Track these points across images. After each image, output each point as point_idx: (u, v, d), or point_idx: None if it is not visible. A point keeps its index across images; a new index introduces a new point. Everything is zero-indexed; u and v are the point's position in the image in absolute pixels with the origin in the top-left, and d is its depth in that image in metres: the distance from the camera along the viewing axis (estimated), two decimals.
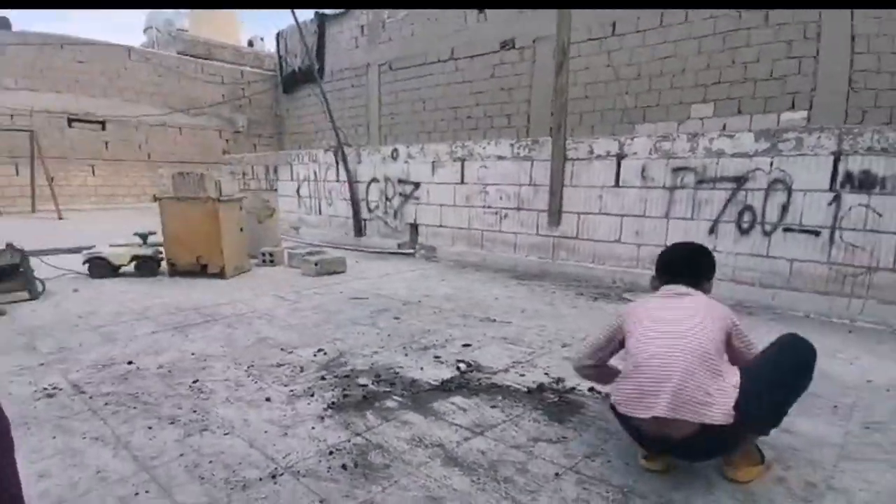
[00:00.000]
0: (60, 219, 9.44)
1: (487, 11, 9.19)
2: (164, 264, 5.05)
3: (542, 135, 7.23)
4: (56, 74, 11.55)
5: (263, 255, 5.68)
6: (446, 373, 2.64)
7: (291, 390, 2.38)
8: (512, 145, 5.65)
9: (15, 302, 3.89)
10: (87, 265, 4.88)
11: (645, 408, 1.60)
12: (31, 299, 3.98)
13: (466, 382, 2.51)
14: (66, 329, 3.30)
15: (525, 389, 2.45)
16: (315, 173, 7.98)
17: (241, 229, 5.19)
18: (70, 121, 11.84)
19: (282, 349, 2.95)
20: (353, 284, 4.76)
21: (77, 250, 5.41)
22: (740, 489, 1.64)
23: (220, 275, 4.85)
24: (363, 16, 11.32)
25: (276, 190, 7.96)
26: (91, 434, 1.95)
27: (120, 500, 1.56)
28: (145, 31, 16.52)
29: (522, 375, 2.62)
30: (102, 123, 12.27)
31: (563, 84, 5.25)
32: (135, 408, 2.19)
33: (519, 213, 5.64)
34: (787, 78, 6.44)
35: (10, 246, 4.12)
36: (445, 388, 2.44)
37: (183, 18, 16.03)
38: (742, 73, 6.76)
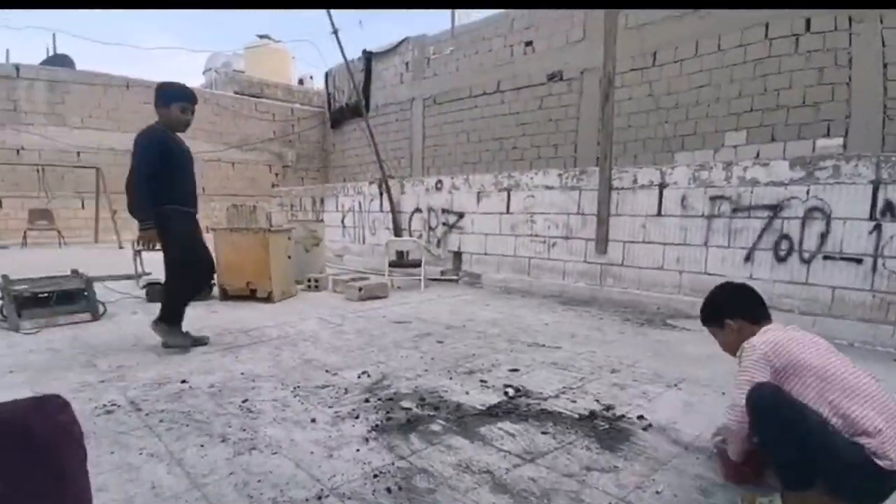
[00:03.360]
0: (121, 248, 9.94)
1: (536, 46, 9.31)
2: (216, 290, 5.21)
3: (588, 164, 7.24)
4: (121, 114, 12.27)
5: (309, 280, 5.80)
6: (493, 398, 2.58)
7: (336, 412, 2.38)
8: (560, 175, 5.68)
9: (79, 323, 4.09)
10: (145, 290, 5.09)
11: None
12: (93, 320, 4.17)
13: (515, 408, 2.44)
14: (125, 349, 3.43)
15: (576, 416, 2.36)
16: (360, 204, 8.19)
17: (289, 257, 5.35)
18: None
19: (326, 371, 2.97)
20: (396, 309, 4.78)
21: (136, 276, 5.65)
22: None
23: (268, 299, 4.98)
24: (409, 52, 11.71)
25: (321, 220, 8.18)
26: (147, 450, 1.99)
27: None
28: (204, 72, 17.60)
29: (573, 402, 2.54)
30: None
31: (609, 114, 5.26)
32: (187, 425, 2.23)
33: (567, 242, 5.62)
34: (821, 105, 6.26)
35: (75, 272, 4.37)
36: (492, 413, 2.38)
37: (240, 60, 16.98)
38: (775, 100, 6.62)
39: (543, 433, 2.18)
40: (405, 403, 2.48)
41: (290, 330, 3.96)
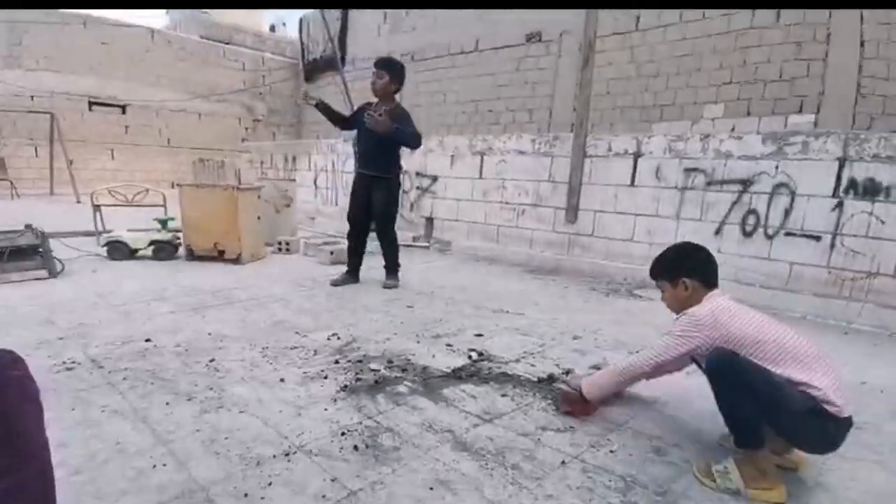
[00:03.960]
0: (78, 202, 9.60)
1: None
2: (181, 249, 5.13)
3: (562, 131, 7.23)
4: (78, 55, 11.63)
5: (279, 243, 5.74)
6: (458, 361, 2.67)
7: (305, 372, 2.43)
8: (533, 140, 5.66)
9: (35, 280, 3.98)
10: (105, 248, 4.98)
11: (844, 401, 1.56)
12: (49, 278, 4.07)
13: (477, 371, 2.54)
14: (85, 307, 3.37)
15: (535, 379, 2.48)
16: (333, 163, 8.02)
17: (259, 217, 5.26)
18: (91, 104, 11.98)
19: (296, 332, 3.00)
20: (367, 274, 4.78)
21: (96, 233, 5.51)
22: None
23: (237, 261, 4.92)
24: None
25: (293, 179, 8.02)
26: (110, 407, 2.01)
27: (138, 471, 1.61)
28: (167, 11, 16.63)
29: (533, 366, 2.65)
30: (123, 107, 12.41)
31: (588, 79, 5.24)
32: (152, 383, 2.24)
33: (536, 210, 5.65)
34: (796, 80, 6.40)
35: (29, 227, 4.23)
36: (456, 376, 2.47)
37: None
38: (752, 73, 6.72)
39: (503, 395, 2.28)
40: (373, 365, 2.54)
41: (260, 292, 3.95)
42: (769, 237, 4.19)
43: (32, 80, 11.09)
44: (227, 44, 14.26)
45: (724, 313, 1.74)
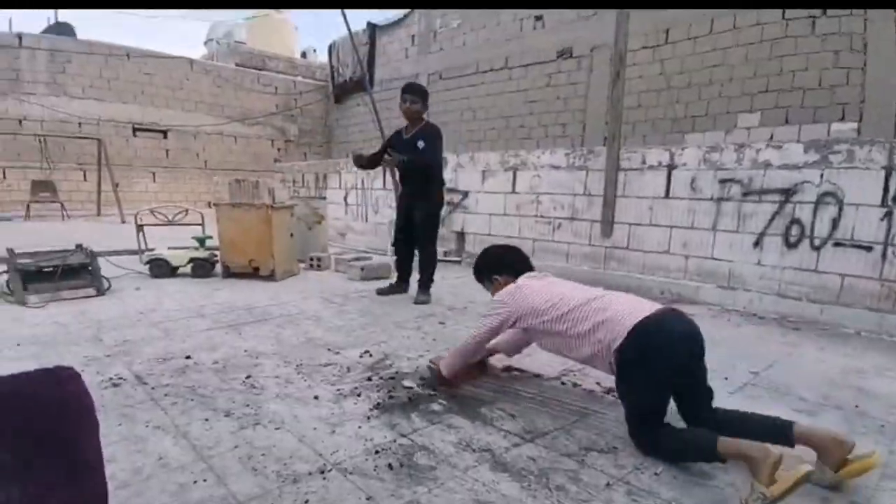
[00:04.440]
0: (123, 222, 10.01)
1: (546, 20, 9.17)
2: (218, 266, 5.27)
3: (596, 144, 7.21)
4: (122, 85, 12.28)
5: (311, 259, 5.84)
6: (493, 379, 2.63)
7: (338, 389, 2.43)
8: (567, 154, 5.65)
9: (84, 297, 4.15)
10: (148, 266, 5.15)
11: (645, 310, 1.95)
12: (98, 295, 4.23)
13: (515, 389, 2.50)
14: (129, 324, 3.49)
15: (576, 399, 2.42)
16: (363, 181, 8.16)
17: (292, 235, 5.37)
18: (135, 130, 12.56)
19: (329, 349, 3.03)
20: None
21: (139, 252, 5.71)
22: None
23: (271, 277, 5.02)
24: (414, 25, 11.51)
25: (324, 198, 8.17)
26: (153, 423, 2.06)
27: (180, 486, 1.64)
28: (206, 43, 17.42)
29: (574, 385, 2.59)
30: (164, 132, 12.95)
31: (619, 93, 5.21)
32: (192, 399, 2.29)
33: (572, 224, 5.60)
34: (836, 88, 6.21)
35: (79, 246, 4.43)
36: (493, 393, 2.44)
37: (241, 31, 16.79)
38: (790, 81, 6.55)
39: (543, 414, 2.24)
40: (407, 382, 2.53)
41: (293, 308, 4.01)
42: (816, 248, 4.02)
43: (79, 108, 11.70)
44: (261, 70, 14.78)
45: (521, 290, 2.30)
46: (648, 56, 7.80)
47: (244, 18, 16.92)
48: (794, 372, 2.83)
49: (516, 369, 2.77)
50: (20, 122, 11.17)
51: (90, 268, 4.33)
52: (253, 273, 5.08)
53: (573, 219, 5.59)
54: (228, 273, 5.16)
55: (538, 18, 9.28)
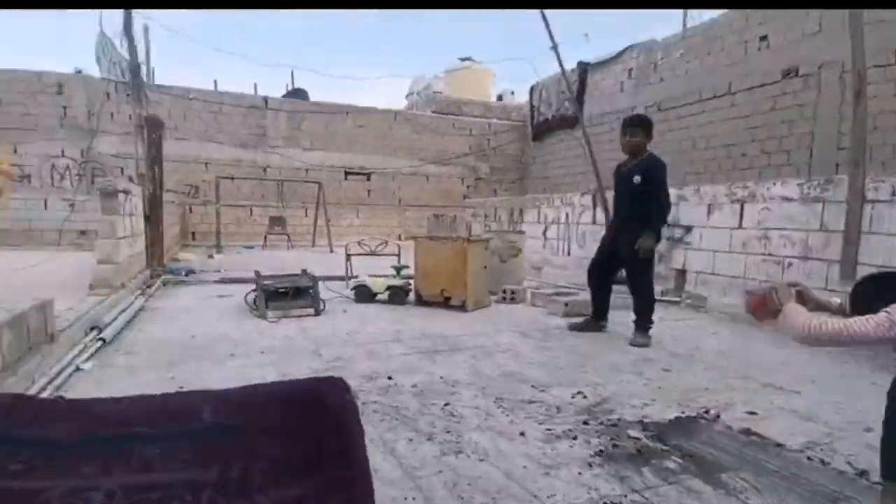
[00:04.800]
0: (331, 252, 11.46)
1: (770, 39, 8.50)
2: (411, 294, 5.56)
3: (825, 172, 6.37)
4: (340, 137, 14.40)
5: (504, 292, 5.84)
6: (729, 442, 2.20)
7: (548, 429, 2.28)
8: (800, 185, 4.86)
9: (304, 316, 4.71)
10: (353, 291, 5.68)
11: None
12: (315, 315, 4.77)
13: (757, 459, 2.06)
14: (341, 343, 3.83)
15: (827, 479, 1.92)
16: (567, 216, 8.13)
17: (485, 267, 5.46)
18: (346, 174, 14.53)
19: (532, 386, 2.89)
20: (609, 328, 4.48)
21: (346, 278, 6.36)
22: None
23: (462, 307, 5.12)
24: (632, 60, 11.51)
25: (521, 231, 8.28)
26: (365, 436, 2.10)
27: (392, 499, 1.63)
28: (407, 97, 19.55)
29: (823, 462, 2.06)
30: (368, 175, 14.72)
31: (862, 113, 4.40)
32: (396, 419, 2.34)
33: (805, 263, 4.71)
34: None
35: (304, 271, 5.09)
36: (733, 459, 2.03)
37: (440, 82, 18.45)
38: None
39: (793, 494, 1.79)
40: (632, 433, 2.27)
41: (486, 340, 3.99)
42: None
43: (308, 157, 14.04)
44: (457, 115, 15.98)
45: None
46: (880, 75, 6.63)
47: (443, 72, 18.56)
48: None
49: (755, 434, 2.29)
50: (264, 169, 13.76)
51: (312, 291, 4.92)
52: (444, 302, 5.24)
53: (806, 258, 4.71)
54: (420, 301, 5.41)
55: (763, 38, 8.60)
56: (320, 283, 5.90)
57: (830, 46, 7.24)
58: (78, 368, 2.98)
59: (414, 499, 1.63)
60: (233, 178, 12.82)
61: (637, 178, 4.08)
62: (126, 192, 5.73)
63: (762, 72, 8.54)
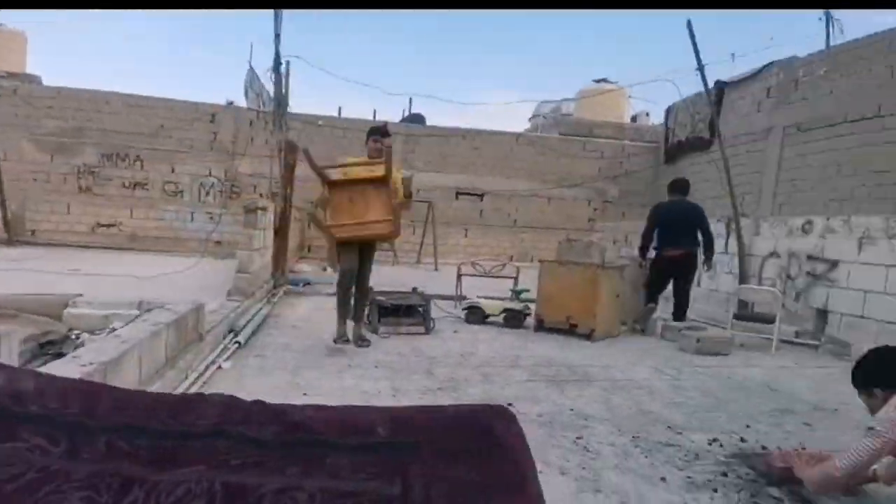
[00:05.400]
0: (436, 270, 11.74)
1: None
2: (529, 319, 5.47)
3: None
4: (454, 159, 14.78)
5: (635, 322, 5.57)
6: None
7: (689, 477, 2.15)
8: None
9: (414, 334, 4.80)
10: (465, 311, 5.71)
11: None
12: (425, 333, 4.85)
13: None
14: (453, 364, 3.84)
15: None
16: None
17: (618, 296, 5.25)
18: (457, 194, 14.80)
19: (668, 427, 2.73)
20: (741, 371, 4.13)
21: (456, 298, 6.42)
22: None
23: (589, 337, 4.94)
24: (772, 77, 10.84)
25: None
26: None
27: None
28: (530, 119, 19.64)
29: None
30: (481, 195, 14.85)
31: None
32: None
33: None
34: None
35: (415, 290, 5.22)
36: None
37: (570, 105, 18.37)
38: None
39: None
40: (773, 492, 2.09)
41: (618, 374, 3.82)
42: None
43: (422, 179, 14.51)
44: (587, 137, 15.75)
45: None
46: None
47: (577, 93, 18.41)
48: None
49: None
50: None
51: (423, 309, 5.02)
52: (569, 329, 5.08)
53: None
54: (541, 327, 5.29)
55: None
56: (433, 301, 6.02)
57: None
58: (219, 367, 3.29)
59: None
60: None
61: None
62: (264, 208, 6.31)
63: None
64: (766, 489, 2.11)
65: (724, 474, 2.21)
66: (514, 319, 5.50)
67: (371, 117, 15.15)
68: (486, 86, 59.99)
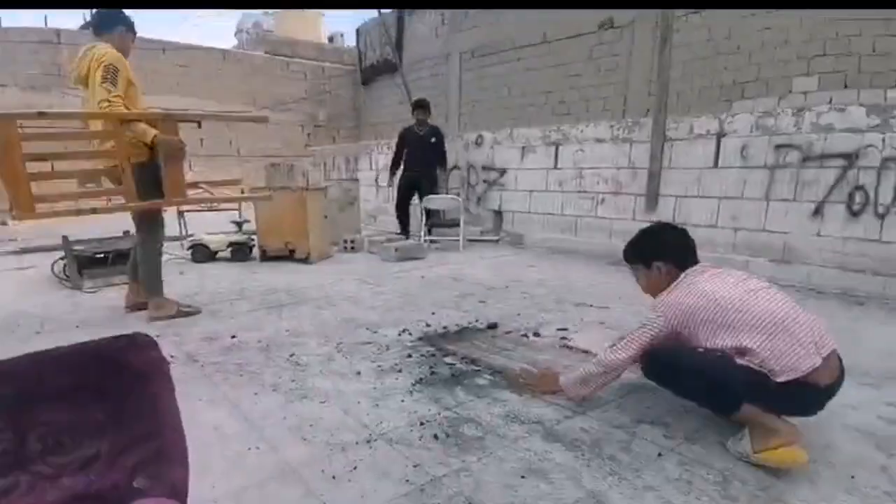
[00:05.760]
0: (164, 211, 10.41)
1: None
2: (255, 250, 5.42)
3: (639, 117, 7.01)
4: (159, 77, 12.64)
5: (345, 241, 5.94)
6: (540, 355, 2.64)
7: (379, 366, 2.50)
8: (611, 127, 5.56)
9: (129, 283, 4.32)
10: (190, 251, 5.35)
11: (809, 358, 1.59)
12: None
13: (565, 365, 2.49)
14: None
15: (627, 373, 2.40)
16: None
17: (325, 217, 5.47)
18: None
19: (367, 329, 3.09)
20: (434, 270, 4.87)
21: (180, 238, 5.93)
22: (844, 475, 1.59)
23: (306, 260, 5.14)
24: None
25: (356, 179, 8.27)
26: (206, 398, 2.16)
27: (237, 453, 1.73)
28: (235, 34, 17.74)
29: None
30: (199, 122, 13.33)
31: (666, 59, 5.12)
32: (241, 375, 2.39)
33: (616, 198, 5.51)
34: (891, 55, 5.85)
35: (126, 233, 4.63)
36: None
37: (269, 20, 17.01)
38: (847, 46, 6.19)
39: None
40: (448, 360, 2.57)
41: (330, 290, 4.10)
42: (880, 216, 3.83)
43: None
44: (290, 57, 14.96)
45: (685, 296, 1.79)
46: (695, 22, 7.51)
47: (272, 10, 17.11)
48: (857, 346, 2.72)
49: (566, 346, 2.77)
50: None
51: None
52: (289, 256, 5.21)
53: (617, 193, 5.50)
54: (265, 256, 5.30)
55: None
56: None
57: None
58: None
59: (258, 448, 1.75)
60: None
61: (433, 140, 6.31)
62: None
63: (578, 22, 8.97)
64: (442, 359, 2.55)
65: (409, 356, 2.61)
66: (239, 252, 5.37)
67: (42, 24, 11.86)
68: None
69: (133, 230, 4.46)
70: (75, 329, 3.14)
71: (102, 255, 4.39)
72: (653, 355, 1.83)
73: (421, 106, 6.45)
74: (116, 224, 4.88)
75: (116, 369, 0.93)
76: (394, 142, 8.25)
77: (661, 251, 1.96)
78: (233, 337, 2.95)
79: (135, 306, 3.50)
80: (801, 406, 1.67)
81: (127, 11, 3.47)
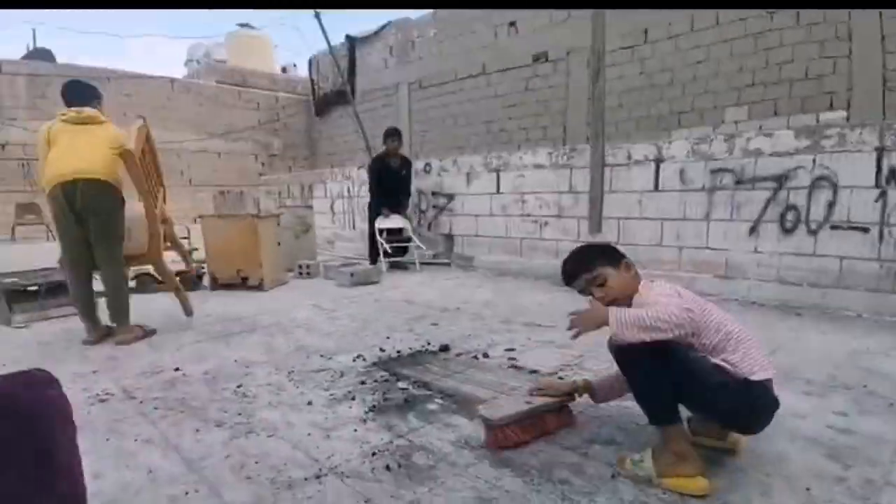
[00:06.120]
0: None
1: (518, 26, 9.27)
2: (205, 279, 5.16)
3: (576, 146, 7.20)
4: (104, 107, 12.16)
5: (300, 267, 5.77)
6: (489, 377, 2.57)
7: (332, 394, 2.36)
8: (550, 153, 5.66)
9: (70, 315, 3.99)
10: (134, 281, 5.02)
11: (770, 365, 1.58)
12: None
13: (513, 388, 2.43)
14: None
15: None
16: (349, 190, 8.12)
17: (279, 244, 5.30)
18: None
19: (321, 356, 2.95)
20: (388, 294, 4.76)
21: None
22: (799, 488, 1.55)
23: (260, 287, 4.94)
24: (392, 36, 11.55)
25: (311, 207, 8.12)
26: (142, 437, 1.97)
27: (171, 499, 1.55)
28: (186, 63, 17.32)
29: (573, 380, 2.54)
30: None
31: (600, 90, 5.24)
32: (182, 411, 2.20)
33: (560, 221, 5.59)
34: (823, 78, 6.28)
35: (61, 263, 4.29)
36: (490, 391, 2.37)
37: (221, 49, 16.71)
38: (777, 74, 6.62)
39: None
40: (402, 384, 2.47)
41: (283, 317, 3.93)
42: (812, 232, 4.00)
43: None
44: (242, 87, 14.69)
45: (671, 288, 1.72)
46: (627, 56, 7.86)
47: (223, 37, 16.82)
48: (799, 356, 2.80)
49: (513, 366, 2.72)
50: (3, 147, 10.99)
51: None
52: (241, 283, 4.99)
53: (560, 216, 5.59)
54: (216, 285, 5.06)
55: (511, 24, 9.33)
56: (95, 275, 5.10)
57: (578, 34, 7.64)
58: None
59: (197, 491, 1.58)
60: None
61: (404, 172, 6.32)
62: None
63: (514, 55, 9.24)
64: (396, 385, 2.44)
65: (363, 382, 2.48)
66: (187, 282, 5.09)
67: None
68: (125, 16, 50.14)
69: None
70: (1, 368, 2.85)
71: (35, 288, 4.04)
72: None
73: (394, 134, 6.28)
74: (43, 256, 4.57)
75: (5, 409, 0.80)
76: (349, 170, 8.26)
77: (618, 252, 1.82)
78: (176, 369, 2.74)
79: (98, 339, 3.36)
80: (763, 410, 1.56)
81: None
